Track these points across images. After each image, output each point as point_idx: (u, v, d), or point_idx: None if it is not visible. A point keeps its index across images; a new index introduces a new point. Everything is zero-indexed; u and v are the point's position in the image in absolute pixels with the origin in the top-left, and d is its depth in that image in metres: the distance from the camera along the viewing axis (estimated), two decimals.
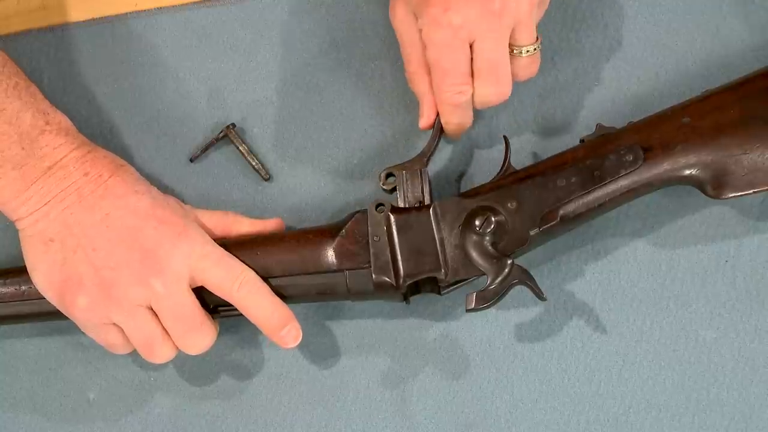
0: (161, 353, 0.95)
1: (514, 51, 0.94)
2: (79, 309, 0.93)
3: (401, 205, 0.96)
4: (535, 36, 0.95)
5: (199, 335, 0.94)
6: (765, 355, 0.99)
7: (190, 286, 0.93)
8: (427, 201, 0.96)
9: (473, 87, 0.94)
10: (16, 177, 0.92)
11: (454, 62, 0.92)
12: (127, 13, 1.07)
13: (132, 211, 0.93)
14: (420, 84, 0.98)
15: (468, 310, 0.92)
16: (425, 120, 0.98)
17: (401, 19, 0.96)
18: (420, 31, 0.93)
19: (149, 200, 0.95)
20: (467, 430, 1.00)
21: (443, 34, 0.91)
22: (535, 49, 0.95)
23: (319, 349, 1.02)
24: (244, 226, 0.99)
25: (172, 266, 0.92)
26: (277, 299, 0.95)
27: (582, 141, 0.97)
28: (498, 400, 1.00)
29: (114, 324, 0.94)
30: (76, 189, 0.93)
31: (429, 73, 0.95)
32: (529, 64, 0.96)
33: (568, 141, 1.01)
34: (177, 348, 0.95)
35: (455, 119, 0.96)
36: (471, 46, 0.92)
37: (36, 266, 0.94)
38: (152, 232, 0.93)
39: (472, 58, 0.93)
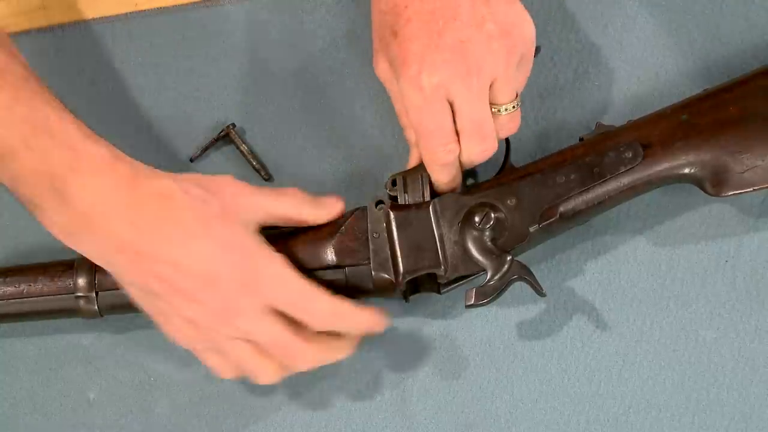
0: (265, 377, 0.94)
1: (493, 109, 0.93)
2: (178, 340, 0.93)
3: (401, 202, 0.96)
4: (515, 94, 0.93)
5: (299, 358, 0.93)
6: (765, 355, 0.99)
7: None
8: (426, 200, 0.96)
9: (460, 145, 0.93)
10: (61, 227, 0.88)
11: (436, 123, 0.91)
12: (127, 13, 1.07)
13: (200, 261, 0.88)
14: (412, 134, 0.97)
15: (467, 306, 0.92)
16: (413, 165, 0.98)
17: (384, 74, 0.96)
18: (400, 91, 0.92)
19: (214, 246, 0.88)
20: (467, 430, 1.00)
21: (421, 96, 0.90)
22: (514, 107, 0.94)
23: None
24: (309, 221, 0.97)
25: (249, 313, 0.90)
26: (357, 312, 0.93)
27: (581, 139, 0.97)
28: (498, 400, 1.00)
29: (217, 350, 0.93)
30: (133, 248, 0.87)
31: None
32: (508, 122, 0.94)
33: (568, 141, 1.00)
34: (278, 368, 0.94)
35: (445, 178, 0.95)
36: (452, 105, 0.91)
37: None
38: (225, 287, 0.89)
39: (454, 117, 0.92)
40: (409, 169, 0.97)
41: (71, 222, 0.86)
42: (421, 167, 0.96)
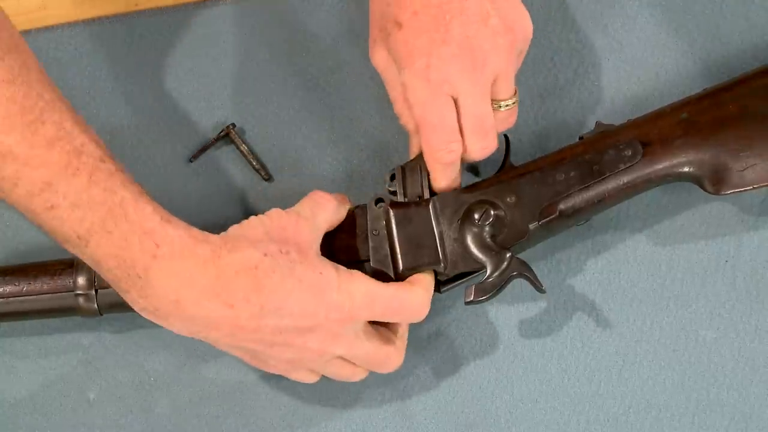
0: (357, 378, 0.96)
1: (493, 105, 0.93)
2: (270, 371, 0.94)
3: (400, 200, 0.96)
4: (514, 90, 0.94)
5: (387, 365, 0.94)
6: (765, 355, 0.99)
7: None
8: (426, 196, 0.96)
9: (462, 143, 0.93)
10: (150, 311, 0.87)
11: (439, 118, 0.91)
12: (127, 13, 1.07)
13: (299, 314, 0.88)
14: (409, 122, 0.97)
15: (467, 303, 0.92)
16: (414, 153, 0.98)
17: (382, 63, 0.95)
18: (403, 84, 0.92)
19: (308, 294, 0.88)
20: (467, 430, 1.00)
21: (427, 90, 0.90)
22: (513, 103, 0.95)
23: None
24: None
25: (346, 339, 0.91)
26: (430, 280, 0.94)
27: (581, 138, 0.97)
28: (498, 400, 1.00)
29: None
30: (231, 324, 0.87)
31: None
32: (506, 117, 0.95)
33: (568, 141, 1.00)
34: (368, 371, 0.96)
35: (445, 178, 0.95)
36: (455, 101, 0.91)
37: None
38: (324, 327, 0.89)
39: (457, 114, 0.92)
40: (408, 162, 0.97)
41: (160, 307, 0.85)
42: (419, 158, 0.96)
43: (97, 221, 0.82)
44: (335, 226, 0.95)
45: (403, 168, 0.97)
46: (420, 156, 0.96)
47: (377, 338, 0.93)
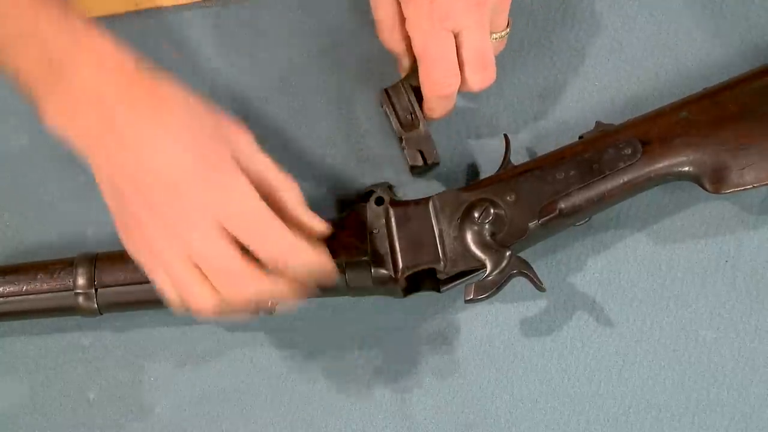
0: (201, 304, 0.89)
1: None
2: (132, 253, 0.90)
3: (393, 120, 0.96)
4: (507, 20, 0.96)
5: (242, 287, 0.88)
6: (765, 355, 0.99)
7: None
8: (417, 113, 0.97)
9: (461, 76, 0.94)
10: (56, 106, 0.85)
11: (441, 53, 0.93)
12: (127, 13, 1.07)
13: (170, 165, 0.85)
14: (397, 45, 0.97)
15: (467, 301, 0.92)
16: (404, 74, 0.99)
17: None
18: (405, 19, 0.93)
19: (190, 157, 0.85)
20: (467, 430, 1.00)
21: (429, 26, 0.92)
22: (506, 33, 0.97)
23: (318, 349, 1.02)
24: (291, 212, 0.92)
25: (203, 228, 0.86)
26: (310, 250, 0.89)
27: (581, 137, 0.97)
28: (498, 400, 1.00)
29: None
30: (121, 132, 0.85)
31: (402, 34, 0.95)
32: (498, 45, 0.97)
33: (568, 141, 1.00)
34: (217, 295, 0.89)
35: (441, 109, 0.97)
36: (456, 35, 0.92)
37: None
38: (185, 196, 0.85)
39: (457, 47, 0.93)
40: (392, 86, 0.98)
41: (67, 99, 0.84)
42: (404, 80, 0.98)
43: (27, 26, 0.83)
44: (272, 199, 0.90)
45: (387, 91, 0.97)
46: (406, 77, 0.97)
47: (238, 251, 0.87)
